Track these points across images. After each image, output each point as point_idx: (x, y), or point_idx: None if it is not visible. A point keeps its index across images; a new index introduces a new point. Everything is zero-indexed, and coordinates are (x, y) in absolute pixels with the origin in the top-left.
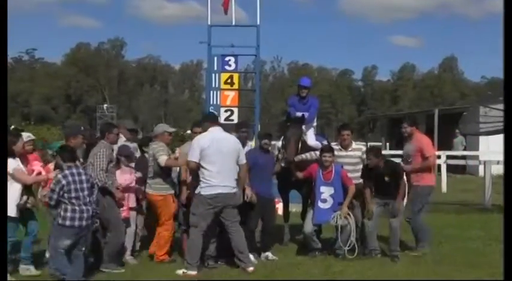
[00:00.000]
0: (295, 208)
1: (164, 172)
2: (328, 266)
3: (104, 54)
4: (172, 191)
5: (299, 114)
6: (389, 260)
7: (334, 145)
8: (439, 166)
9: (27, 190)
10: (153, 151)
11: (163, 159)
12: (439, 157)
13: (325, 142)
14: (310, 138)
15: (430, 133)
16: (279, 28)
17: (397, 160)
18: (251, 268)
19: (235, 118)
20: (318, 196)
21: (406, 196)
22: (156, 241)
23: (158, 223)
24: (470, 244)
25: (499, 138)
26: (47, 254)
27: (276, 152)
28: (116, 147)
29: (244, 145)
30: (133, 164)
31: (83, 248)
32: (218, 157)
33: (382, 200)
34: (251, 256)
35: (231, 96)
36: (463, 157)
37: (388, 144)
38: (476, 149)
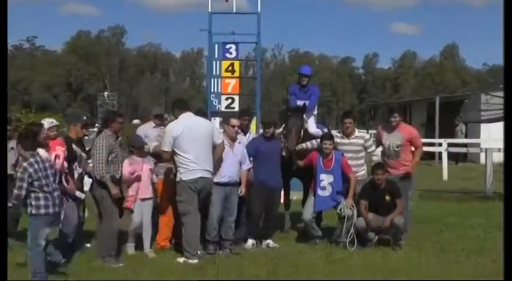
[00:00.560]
0: (296, 195)
1: (156, 157)
2: (329, 254)
3: (105, 42)
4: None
5: (300, 103)
6: (390, 249)
7: (336, 132)
8: (440, 154)
9: None
10: None
11: (151, 145)
12: (440, 144)
13: (325, 130)
14: (311, 126)
15: (431, 121)
16: (280, 15)
17: None
18: (193, 261)
19: (236, 106)
20: (318, 183)
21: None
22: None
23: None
24: (471, 232)
25: (501, 126)
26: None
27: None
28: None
29: (245, 132)
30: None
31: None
32: (192, 144)
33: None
34: (250, 242)
35: (232, 84)
36: (464, 145)
37: None
38: (478, 136)
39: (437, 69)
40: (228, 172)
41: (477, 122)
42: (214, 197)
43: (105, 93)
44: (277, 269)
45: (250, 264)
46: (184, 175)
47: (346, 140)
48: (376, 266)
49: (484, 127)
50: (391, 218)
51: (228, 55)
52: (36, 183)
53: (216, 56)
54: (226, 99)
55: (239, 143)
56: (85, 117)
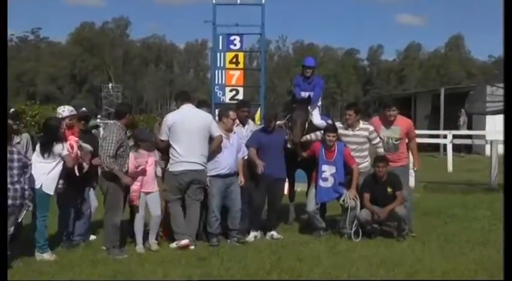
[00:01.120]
0: (300, 187)
1: (162, 151)
2: (333, 246)
3: (109, 33)
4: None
5: (305, 94)
6: (394, 241)
7: (340, 124)
8: (445, 146)
9: None
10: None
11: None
12: (445, 136)
13: (329, 122)
14: (316, 117)
15: (435, 113)
16: (284, 7)
17: None
18: (184, 241)
19: (240, 97)
20: (320, 174)
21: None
22: None
23: None
24: (476, 223)
25: None
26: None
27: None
28: None
29: (244, 124)
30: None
31: (11, 228)
32: (184, 134)
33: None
34: (253, 234)
35: (236, 75)
36: (469, 136)
37: None
38: (483, 128)
39: (442, 61)
40: (228, 164)
41: (482, 114)
42: (213, 189)
43: (110, 85)
44: (281, 260)
45: (254, 255)
46: (172, 166)
47: (350, 132)
48: (380, 257)
49: (490, 119)
50: (390, 209)
51: (232, 47)
52: None
53: (221, 47)
54: (231, 91)
55: (234, 133)
56: (84, 109)
